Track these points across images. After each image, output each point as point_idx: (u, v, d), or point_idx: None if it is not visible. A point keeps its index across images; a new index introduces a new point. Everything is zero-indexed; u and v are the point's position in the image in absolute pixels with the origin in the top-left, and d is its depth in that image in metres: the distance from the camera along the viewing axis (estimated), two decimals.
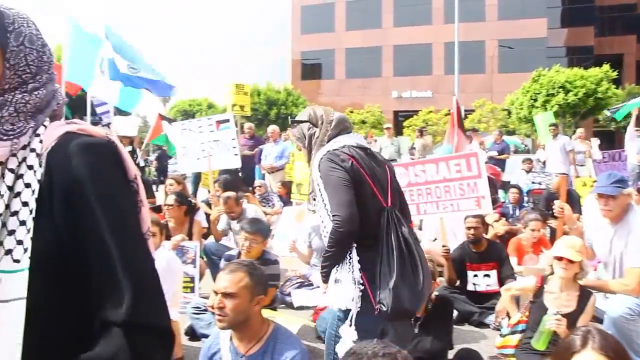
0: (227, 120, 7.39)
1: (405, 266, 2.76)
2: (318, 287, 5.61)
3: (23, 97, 1.16)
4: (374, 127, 34.54)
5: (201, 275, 5.83)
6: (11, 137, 1.12)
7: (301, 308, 5.58)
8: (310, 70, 45.09)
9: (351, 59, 43.64)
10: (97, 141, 1.15)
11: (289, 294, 5.82)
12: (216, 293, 2.79)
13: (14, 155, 1.12)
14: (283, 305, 5.68)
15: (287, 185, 9.70)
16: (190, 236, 6.04)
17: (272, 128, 11.46)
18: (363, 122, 36.24)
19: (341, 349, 2.72)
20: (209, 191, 8.11)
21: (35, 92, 1.18)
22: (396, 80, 42.19)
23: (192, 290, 5.53)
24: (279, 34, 46.77)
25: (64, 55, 8.36)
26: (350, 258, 2.79)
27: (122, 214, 1.11)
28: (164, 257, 4.25)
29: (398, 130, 34.06)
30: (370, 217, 2.79)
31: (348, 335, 2.72)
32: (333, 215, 2.75)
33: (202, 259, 6.02)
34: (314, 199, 2.97)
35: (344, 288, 2.78)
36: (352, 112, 36.39)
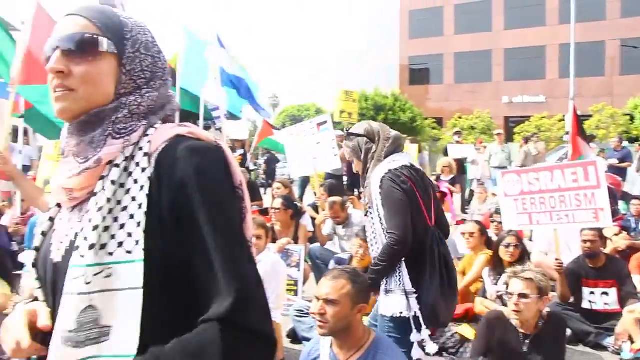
0: (326, 122, 7.43)
1: (444, 283, 3.05)
2: None
3: (136, 99, 1.21)
4: (483, 133, 33.45)
5: (305, 279, 5.89)
6: (123, 135, 1.18)
7: None
8: (418, 75, 44.48)
9: (460, 64, 42.57)
10: (206, 145, 1.18)
11: None
12: (318, 299, 2.79)
13: (129, 147, 1.17)
14: None
15: None
16: (295, 240, 6.12)
17: None
18: (472, 128, 35.19)
19: (416, 354, 2.98)
20: (315, 194, 8.19)
21: (148, 95, 1.23)
22: (507, 84, 40.61)
23: (296, 293, 5.61)
24: (387, 39, 46.54)
25: (179, 63, 8.78)
26: (400, 271, 3.05)
27: (227, 217, 1.12)
28: (269, 259, 4.33)
29: (509, 137, 32.80)
30: (418, 234, 3.04)
31: (418, 339, 2.99)
32: (389, 233, 3.03)
33: (307, 262, 6.09)
34: (369, 209, 3.20)
35: (395, 298, 3.03)
36: (460, 117, 35.46)
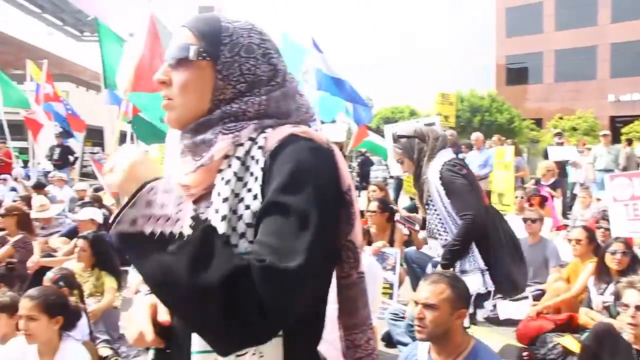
0: (433, 124, 7.30)
1: (512, 252, 3.51)
2: (526, 297, 5.32)
3: (240, 107, 1.23)
4: (586, 134, 31.76)
5: (400, 282, 5.83)
6: (232, 131, 1.21)
7: (498, 323, 5.31)
8: (516, 74, 42.86)
9: (561, 61, 40.58)
10: (317, 145, 1.18)
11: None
12: (416, 303, 2.75)
13: (241, 144, 1.19)
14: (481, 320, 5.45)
15: (487, 195, 9.30)
16: (391, 243, 6.07)
17: (476, 135, 11.08)
18: (574, 129, 33.50)
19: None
20: (411, 198, 8.09)
21: (252, 101, 1.24)
22: (613, 82, 38.22)
23: (391, 296, 5.56)
24: (483, 39, 45.31)
25: None
26: (472, 251, 3.42)
27: (320, 217, 1.08)
28: (365, 261, 4.31)
29: (615, 138, 30.91)
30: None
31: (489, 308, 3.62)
32: (462, 215, 3.39)
33: (402, 266, 6.02)
34: (428, 204, 3.56)
35: (472, 277, 3.38)
36: (561, 118, 33.87)
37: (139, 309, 1.27)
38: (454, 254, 3.43)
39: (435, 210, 3.52)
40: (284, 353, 1.14)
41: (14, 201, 9.34)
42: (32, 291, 3.29)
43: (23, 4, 29.30)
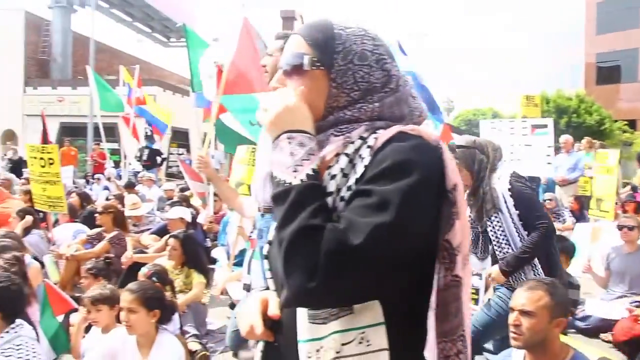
0: (545, 126, 7.02)
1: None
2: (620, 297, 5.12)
3: (353, 114, 1.24)
4: None
5: (486, 288, 5.69)
6: (344, 132, 1.23)
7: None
8: (607, 73, 40.67)
9: None
10: (423, 142, 1.18)
11: (580, 319, 5.36)
12: (512, 309, 2.66)
13: (352, 142, 1.21)
14: (573, 331, 5.24)
15: (580, 200, 8.91)
16: None
17: (565, 138, 10.62)
18: None
19: None
20: None
21: (365, 108, 1.25)
22: None
23: (477, 302, 5.43)
24: (569, 36, 43.41)
25: None
26: (534, 262, 3.45)
27: (402, 205, 1.07)
28: None
29: None
30: None
31: None
32: (539, 225, 3.40)
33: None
34: (493, 215, 3.50)
35: None
36: None
37: (251, 304, 1.33)
38: (521, 261, 3.43)
39: (499, 222, 3.51)
40: (389, 343, 1.14)
41: (107, 199, 9.86)
42: (133, 285, 3.45)
43: (115, 13, 30.87)
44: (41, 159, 6.99)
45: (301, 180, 1.12)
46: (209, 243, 7.60)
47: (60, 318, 4.02)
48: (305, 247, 1.04)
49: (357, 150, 1.20)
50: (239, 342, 4.69)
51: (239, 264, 6.15)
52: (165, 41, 35.31)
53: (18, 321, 3.03)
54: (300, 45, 1.28)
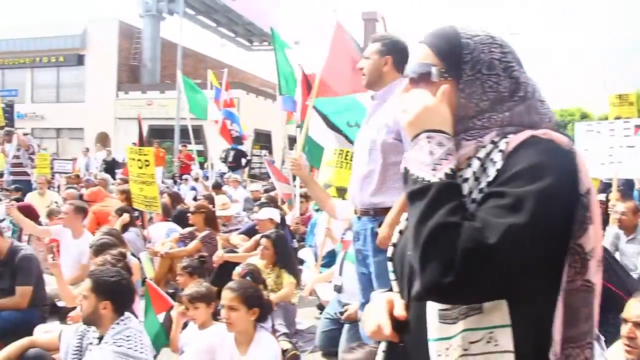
0: None
1: None
2: None
3: (483, 124, 1.25)
4: None
5: None
6: (475, 137, 1.24)
7: None
8: None
9: None
10: (556, 146, 1.17)
11: None
12: (626, 321, 2.54)
13: (483, 147, 1.21)
14: None
15: None
16: None
17: None
18: None
19: None
20: (607, 199, 7.39)
21: (494, 118, 1.24)
22: None
23: None
24: None
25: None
26: None
27: (536, 207, 1.07)
28: None
29: None
30: None
31: None
32: None
33: None
34: None
35: None
36: None
37: (378, 304, 1.35)
38: None
39: None
40: (514, 345, 1.13)
41: (195, 199, 10.19)
42: (233, 283, 3.55)
43: (201, 19, 31.94)
44: (138, 160, 7.34)
45: (440, 178, 1.13)
46: (295, 244, 7.70)
47: (161, 317, 4.17)
48: (443, 243, 1.06)
49: (489, 154, 1.20)
50: (330, 343, 4.75)
51: (326, 265, 6.22)
52: (248, 45, 36.18)
53: (127, 314, 3.17)
54: (426, 55, 1.29)
